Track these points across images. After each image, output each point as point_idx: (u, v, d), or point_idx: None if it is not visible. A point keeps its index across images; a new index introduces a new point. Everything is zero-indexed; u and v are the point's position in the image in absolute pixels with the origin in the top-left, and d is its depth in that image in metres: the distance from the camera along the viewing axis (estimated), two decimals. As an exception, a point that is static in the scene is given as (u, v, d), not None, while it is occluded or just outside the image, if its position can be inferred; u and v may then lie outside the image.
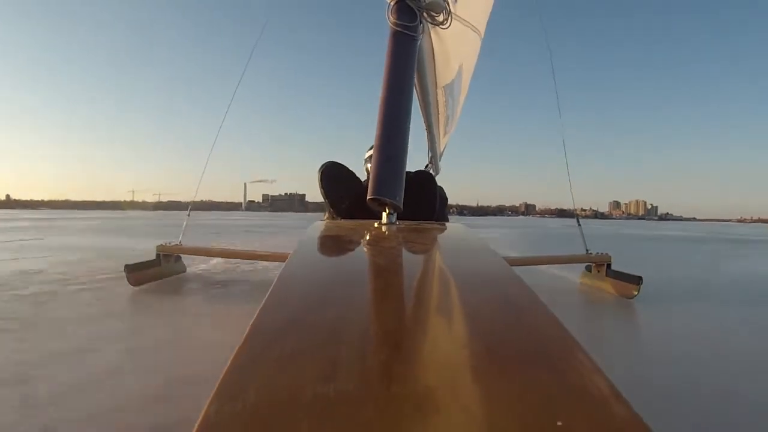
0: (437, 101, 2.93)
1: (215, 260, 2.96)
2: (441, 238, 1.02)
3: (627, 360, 1.31)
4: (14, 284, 2.15)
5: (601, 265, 2.28)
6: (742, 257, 5.05)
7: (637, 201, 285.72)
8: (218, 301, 1.96)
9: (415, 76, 1.49)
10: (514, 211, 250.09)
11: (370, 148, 1.81)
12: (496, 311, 0.45)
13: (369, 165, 2.07)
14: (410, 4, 1.37)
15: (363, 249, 0.82)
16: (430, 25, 1.61)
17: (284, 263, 0.59)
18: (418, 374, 0.31)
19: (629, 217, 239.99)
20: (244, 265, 2.83)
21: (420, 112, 2.90)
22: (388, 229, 0.99)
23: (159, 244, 2.30)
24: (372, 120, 1.28)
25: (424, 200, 2.00)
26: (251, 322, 0.36)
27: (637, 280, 2.02)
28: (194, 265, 2.77)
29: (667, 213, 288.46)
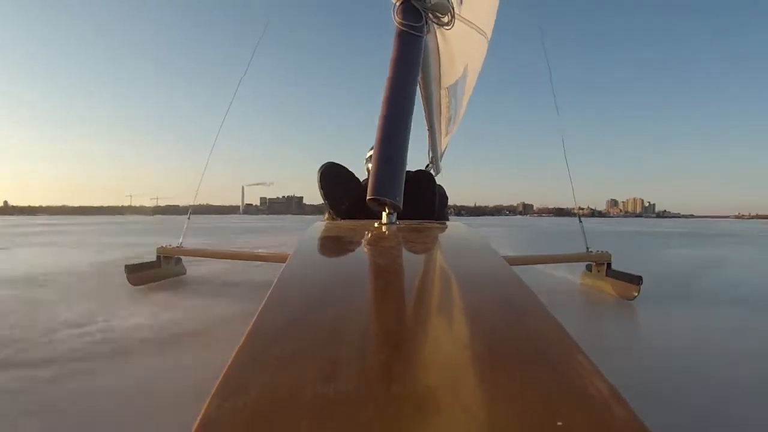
0: (440, 102, 2.95)
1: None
2: (441, 237, 1.03)
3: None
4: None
5: (601, 264, 2.26)
6: (681, 246, 5.90)
7: (634, 199, 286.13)
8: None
9: (419, 76, 1.52)
10: (511, 210, 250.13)
11: (371, 148, 1.79)
12: (496, 312, 0.45)
13: (370, 165, 2.09)
14: (416, 4, 1.39)
15: (363, 249, 0.83)
16: (435, 26, 1.63)
17: (284, 264, 0.59)
18: (418, 374, 0.31)
19: (627, 215, 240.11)
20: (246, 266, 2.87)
21: (423, 111, 2.93)
22: (388, 229, 1.00)
23: (159, 246, 2.34)
24: (372, 121, 1.29)
25: (423, 200, 2.01)
26: (252, 322, 0.36)
27: (638, 281, 2.00)
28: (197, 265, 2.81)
29: (665, 210, 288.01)
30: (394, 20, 1.37)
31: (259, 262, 2.68)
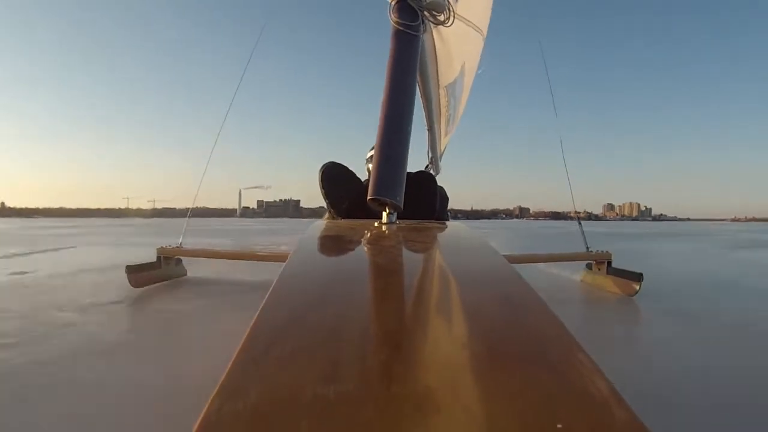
0: (439, 101, 2.97)
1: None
2: (441, 237, 1.03)
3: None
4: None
5: (601, 263, 2.30)
6: (627, 241, 7.70)
7: (631, 203, 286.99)
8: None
9: (418, 75, 1.52)
10: (508, 214, 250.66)
11: (372, 148, 1.83)
12: (497, 311, 0.45)
13: (370, 165, 2.08)
14: (411, 3, 1.39)
15: (363, 248, 0.83)
16: (432, 25, 1.64)
17: (284, 263, 0.59)
18: (419, 374, 0.31)
19: (623, 218, 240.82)
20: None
21: (422, 111, 2.94)
22: (388, 229, 1.00)
23: (159, 246, 2.36)
24: (371, 121, 1.31)
25: (424, 200, 2.03)
26: (252, 322, 0.37)
27: (638, 277, 2.03)
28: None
29: (661, 214, 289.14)
30: (390, 19, 1.37)
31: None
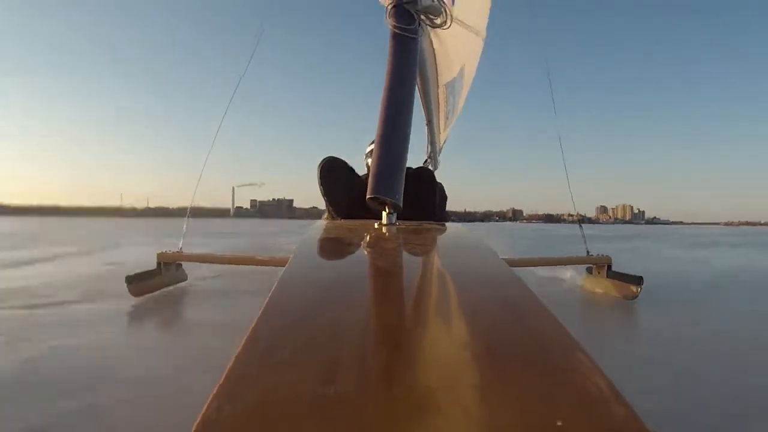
0: (438, 98, 2.98)
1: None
2: (441, 239, 1.04)
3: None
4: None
5: (601, 267, 2.32)
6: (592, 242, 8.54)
7: (624, 206, 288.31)
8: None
9: (417, 75, 1.53)
10: (501, 216, 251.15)
11: (372, 142, 1.81)
12: (496, 312, 0.46)
13: (369, 160, 2.12)
14: (407, 7, 1.41)
15: (363, 251, 0.83)
16: (430, 28, 1.66)
17: (285, 266, 0.60)
18: (419, 375, 0.31)
19: (616, 221, 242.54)
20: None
21: (421, 107, 2.95)
22: (388, 230, 1.01)
23: (159, 251, 2.34)
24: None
25: (423, 198, 2.02)
26: (253, 324, 0.37)
27: (638, 281, 2.06)
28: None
29: (655, 217, 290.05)
30: (388, 23, 1.39)
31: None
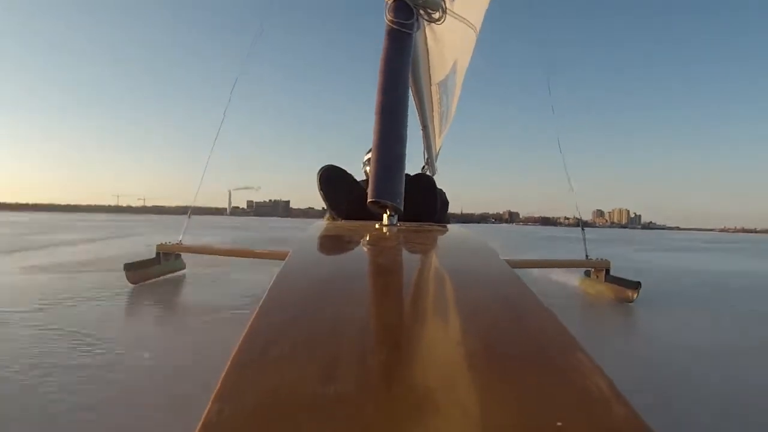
0: (432, 98, 2.99)
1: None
2: (441, 239, 1.04)
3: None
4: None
5: (600, 270, 2.32)
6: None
7: (620, 210, 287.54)
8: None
9: (410, 74, 1.53)
10: (497, 218, 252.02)
11: (369, 151, 1.74)
12: (497, 312, 0.46)
13: (368, 168, 2.15)
14: (407, 1, 1.40)
15: (363, 249, 0.83)
16: (425, 22, 1.65)
17: (283, 262, 0.60)
18: (419, 374, 0.31)
19: (612, 225, 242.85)
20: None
21: (416, 111, 2.95)
22: (388, 230, 1.01)
23: (159, 243, 2.39)
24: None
25: (424, 203, 2.04)
26: (249, 322, 0.36)
27: (636, 286, 2.07)
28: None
29: (651, 222, 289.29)
30: (386, 18, 1.38)
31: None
